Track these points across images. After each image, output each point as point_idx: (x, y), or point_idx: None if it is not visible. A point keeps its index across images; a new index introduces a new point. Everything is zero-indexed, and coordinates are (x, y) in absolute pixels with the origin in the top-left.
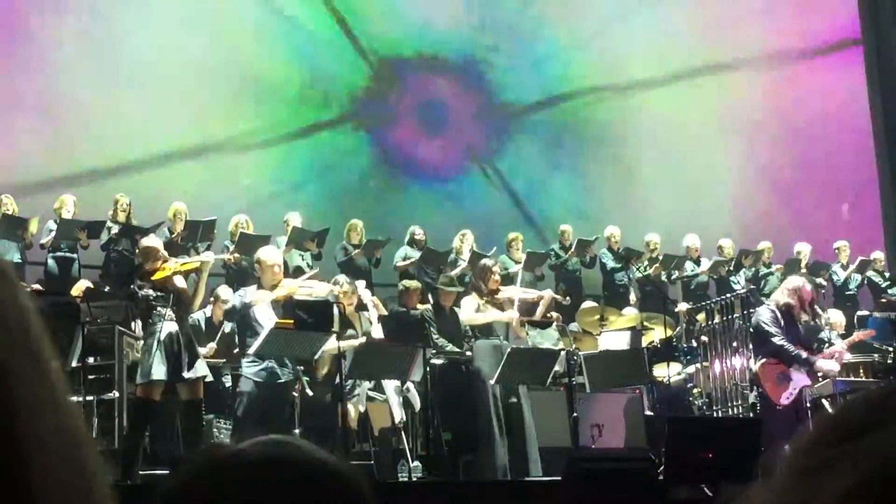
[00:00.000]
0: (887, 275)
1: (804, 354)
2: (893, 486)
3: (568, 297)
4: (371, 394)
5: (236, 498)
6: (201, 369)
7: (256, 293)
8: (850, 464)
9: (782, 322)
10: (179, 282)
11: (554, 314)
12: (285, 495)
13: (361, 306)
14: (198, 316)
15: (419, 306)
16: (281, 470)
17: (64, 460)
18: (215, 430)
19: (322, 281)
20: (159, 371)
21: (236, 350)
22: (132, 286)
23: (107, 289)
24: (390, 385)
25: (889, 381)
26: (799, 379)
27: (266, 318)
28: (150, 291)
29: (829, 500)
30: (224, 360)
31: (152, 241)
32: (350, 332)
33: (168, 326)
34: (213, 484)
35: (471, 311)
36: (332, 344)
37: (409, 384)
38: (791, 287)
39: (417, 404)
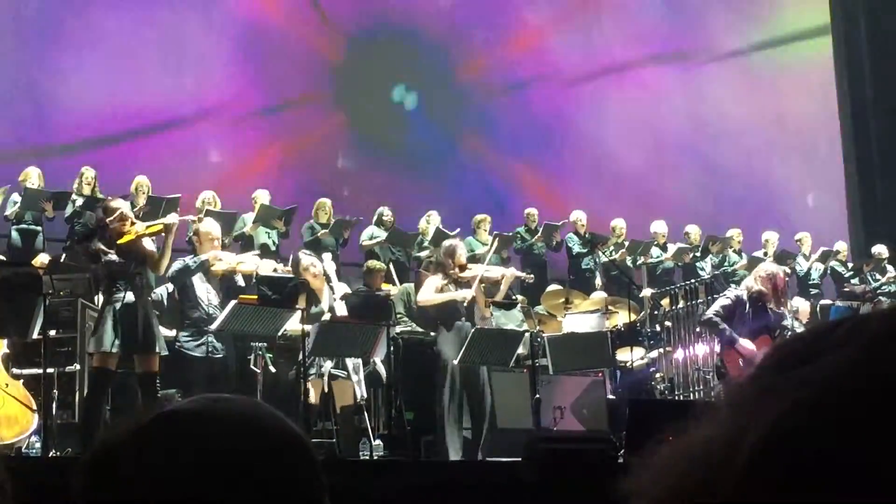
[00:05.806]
0: (850, 265)
1: (728, 332)
2: (821, 412)
3: (532, 276)
4: (334, 371)
5: (171, 451)
6: (157, 344)
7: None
8: (784, 392)
9: (748, 307)
10: (148, 244)
11: (519, 297)
12: (220, 447)
13: (328, 279)
14: (161, 291)
15: (385, 286)
16: (216, 423)
17: None
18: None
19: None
20: (112, 342)
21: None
22: (93, 247)
23: (63, 258)
24: (353, 363)
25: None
26: None
27: (203, 292)
28: (114, 257)
29: (762, 429)
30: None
31: (119, 202)
32: (315, 309)
33: (127, 297)
34: (146, 440)
35: (431, 290)
36: (294, 324)
37: (376, 359)
38: (764, 274)
39: (384, 377)
